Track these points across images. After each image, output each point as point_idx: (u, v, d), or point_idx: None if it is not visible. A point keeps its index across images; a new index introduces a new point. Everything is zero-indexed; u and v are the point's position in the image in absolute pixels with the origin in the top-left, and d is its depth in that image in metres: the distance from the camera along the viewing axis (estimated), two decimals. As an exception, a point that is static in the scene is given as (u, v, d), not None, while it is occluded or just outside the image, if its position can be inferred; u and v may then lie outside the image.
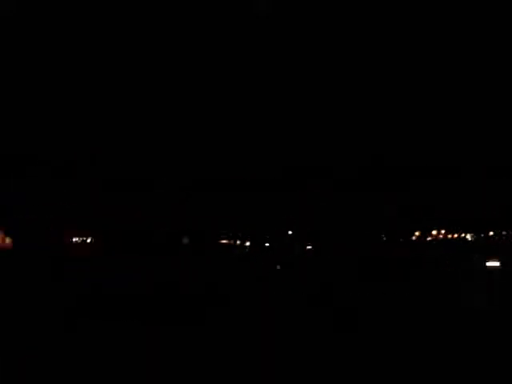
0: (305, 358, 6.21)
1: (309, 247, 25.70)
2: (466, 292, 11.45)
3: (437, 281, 14.56)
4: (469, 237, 27.82)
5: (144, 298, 10.67)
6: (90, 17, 20.24)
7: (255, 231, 25.67)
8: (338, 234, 23.33)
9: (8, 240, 23.10)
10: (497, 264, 16.74)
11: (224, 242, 26.30)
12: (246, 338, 7.13)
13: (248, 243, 27.50)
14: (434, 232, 26.89)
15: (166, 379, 5.60)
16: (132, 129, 21.57)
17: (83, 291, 11.82)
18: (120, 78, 21.71)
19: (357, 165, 23.09)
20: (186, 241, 24.08)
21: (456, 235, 27.57)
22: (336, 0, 21.34)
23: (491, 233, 27.11)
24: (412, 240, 25.84)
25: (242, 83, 22.34)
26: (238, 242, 27.99)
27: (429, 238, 27.02)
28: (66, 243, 24.00)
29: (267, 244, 26.77)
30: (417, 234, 25.91)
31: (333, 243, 23.10)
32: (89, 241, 24.86)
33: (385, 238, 24.60)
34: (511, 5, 19.67)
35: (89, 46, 20.48)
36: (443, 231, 27.11)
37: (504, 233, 25.98)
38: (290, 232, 25.10)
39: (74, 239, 24.68)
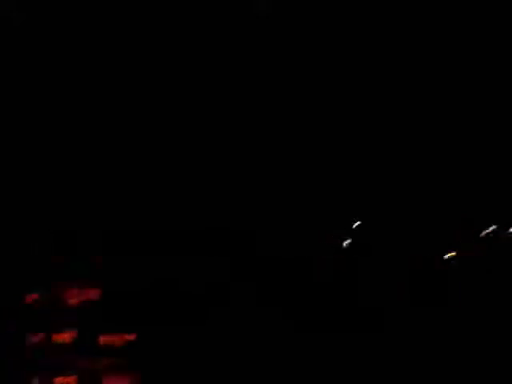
0: (305, 357, 5.78)
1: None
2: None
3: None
4: None
5: (144, 298, 10.59)
6: (89, 17, 19.35)
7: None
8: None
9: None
10: None
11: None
12: (246, 338, 6.79)
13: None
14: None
15: (166, 379, 5.46)
16: (132, 129, 20.63)
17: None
18: (119, 77, 20.72)
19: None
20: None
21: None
22: (336, 0, 20.24)
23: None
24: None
25: (241, 83, 21.09)
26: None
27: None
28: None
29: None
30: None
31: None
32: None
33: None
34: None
35: (89, 46, 19.63)
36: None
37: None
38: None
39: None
